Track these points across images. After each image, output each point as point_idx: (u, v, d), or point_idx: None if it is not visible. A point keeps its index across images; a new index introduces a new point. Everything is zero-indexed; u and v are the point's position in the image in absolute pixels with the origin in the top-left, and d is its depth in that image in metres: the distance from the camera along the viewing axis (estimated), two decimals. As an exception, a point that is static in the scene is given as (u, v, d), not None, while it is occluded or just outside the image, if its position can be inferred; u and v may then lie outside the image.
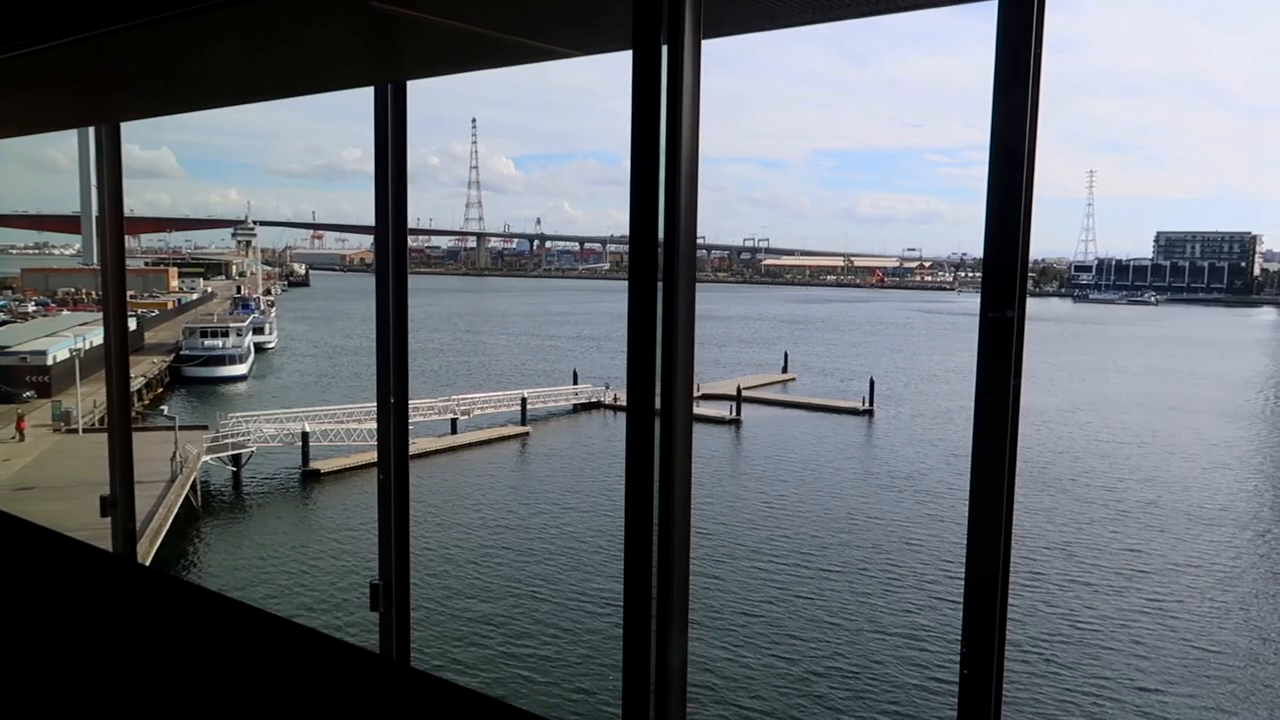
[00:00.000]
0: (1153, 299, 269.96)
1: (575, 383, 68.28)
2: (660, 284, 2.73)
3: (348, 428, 49.36)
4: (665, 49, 2.66)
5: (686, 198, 2.74)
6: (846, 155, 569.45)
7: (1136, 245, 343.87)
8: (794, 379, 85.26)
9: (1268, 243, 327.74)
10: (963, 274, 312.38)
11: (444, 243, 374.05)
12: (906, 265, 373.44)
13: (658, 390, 2.78)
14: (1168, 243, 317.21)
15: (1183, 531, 39.35)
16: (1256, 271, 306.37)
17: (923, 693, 24.38)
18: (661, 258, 2.73)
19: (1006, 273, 2.46)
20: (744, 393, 66.86)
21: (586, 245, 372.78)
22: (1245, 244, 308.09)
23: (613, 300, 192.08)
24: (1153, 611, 30.42)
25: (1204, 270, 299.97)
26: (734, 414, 63.25)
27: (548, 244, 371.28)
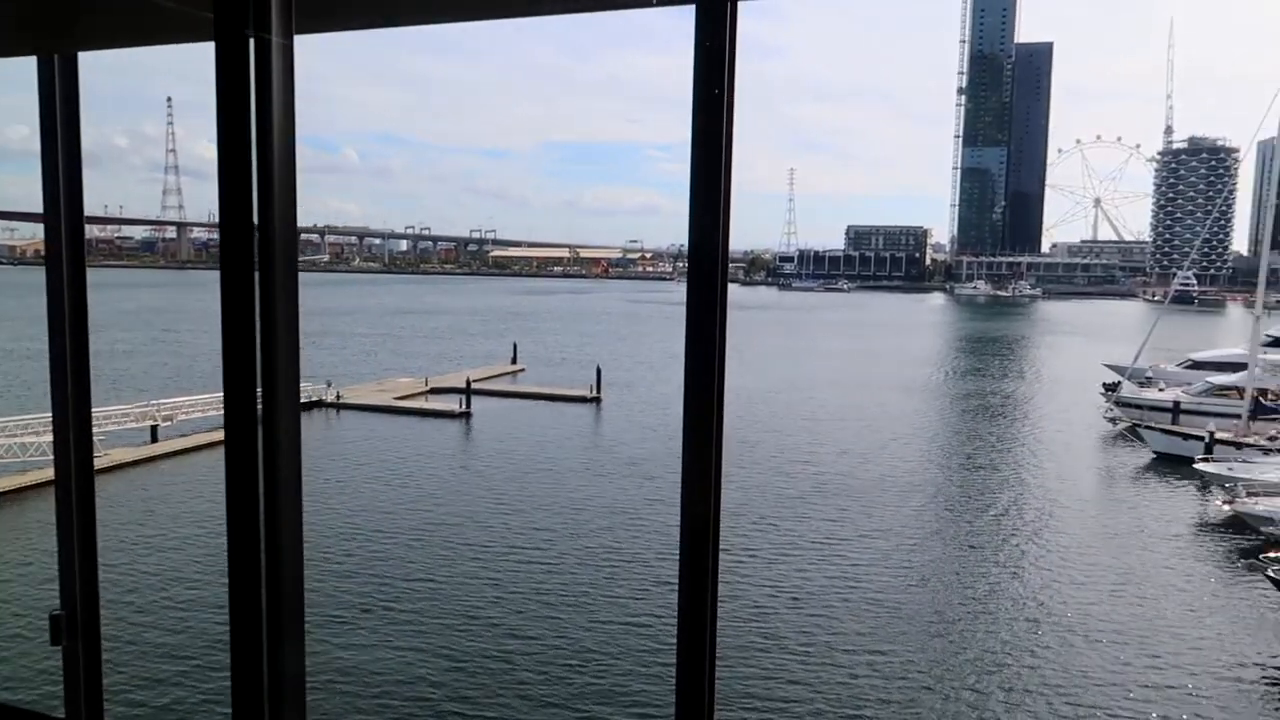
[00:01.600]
0: (846, 286, 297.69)
1: (294, 381, 64.58)
2: (258, 275, 2.68)
3: (22, 441, 43.56)
4: (252, 41, 2.64)
5: (282, 188, 2.71)
6: (571, 148, 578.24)
7: (832, 237, 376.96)
8: (524, 370, 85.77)
9: (936, 235, 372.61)
10: (680, 264, 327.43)
11: (138, 233, 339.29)
12: (629, 256, 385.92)
13: (259, 385, 2.70)
14: (857, 235, 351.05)
15: (873, 500, 43.23)
16: (928, 261, 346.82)
17: (642, 672, 25.07)
18: (258, 248, 2.68)
19: (709, 263, 2.59)
20: (474, 385, 66.36)
21: (302, 236, 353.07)
22: (919, 237, 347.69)
23: (330, 293, 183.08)
24: (849, 576, 32.81)
25: (886, 260, 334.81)
26: (464, 407, 62.59)
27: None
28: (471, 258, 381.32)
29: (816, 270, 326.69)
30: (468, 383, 65.81)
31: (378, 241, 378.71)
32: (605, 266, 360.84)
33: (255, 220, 2.68)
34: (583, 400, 68.81)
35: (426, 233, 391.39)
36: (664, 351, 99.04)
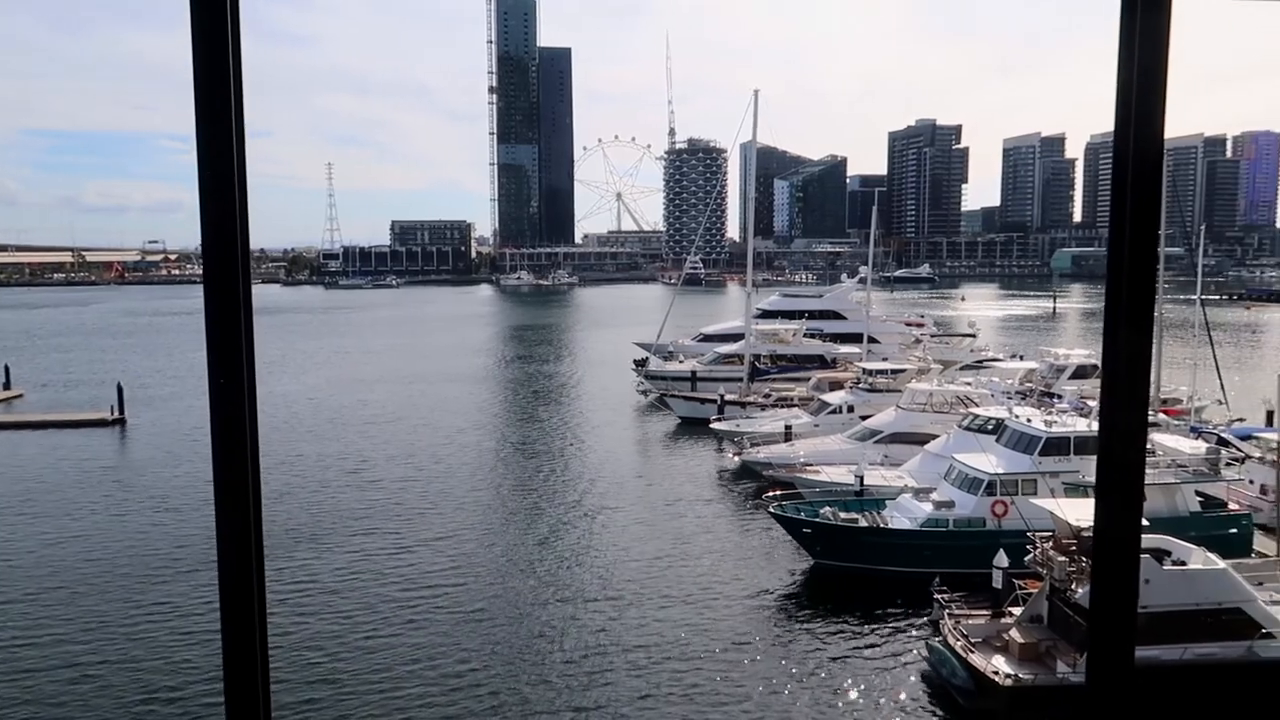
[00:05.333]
0: (395, 282, 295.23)
1: None
2: None
3: None
4: None
5: None
6: (64, 136, 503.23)
7: (377, 233, 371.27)
8: (21, 395, 73.09)
9: (480, 229, 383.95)
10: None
11: None
12: (150, 259, 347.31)
13: None
14: (402, 230, 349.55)
15: (438, 500, 42.72)
16: (473, 254, 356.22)
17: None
18: None
19: (227, 261, 2.41)
20: (-49, 420, 55.07)
21: None
22: (463, 231, 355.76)
23: None
24: (421, 587, 31.60)
25: (434, 254, 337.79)
26: (-61, 447, 51.67)
27: None
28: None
29: (364, 267, 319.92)
30: (-58, 417, 54.46)
31: None
32: (120, 270, 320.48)
33: None
34: (102, 424, 60.43)
35: None
36: (198, 363, 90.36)
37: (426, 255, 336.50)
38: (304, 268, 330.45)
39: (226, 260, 2.40)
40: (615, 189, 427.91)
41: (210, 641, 25.98)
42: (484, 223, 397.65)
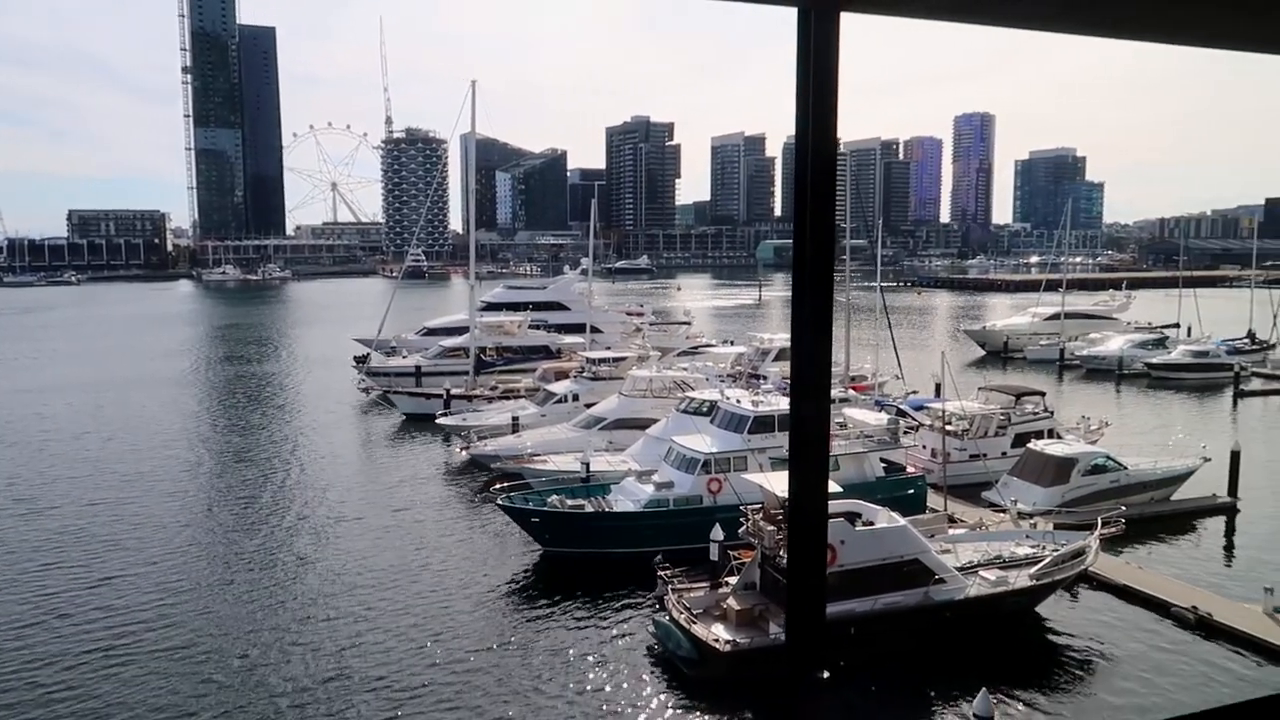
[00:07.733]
0: (74, 279, 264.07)
1: None
2: None
3: None
4: None
5: None
6: None
7: (50, 224, 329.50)
8: None
9: (177, 220, 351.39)
10: None
11: None
12: None
13: None
14: (82, 221, 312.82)
15: (140, 524, 38.36)
16: (170, 247, 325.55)
17: None
18: None
19: None
20: None
21: None
22: (157, 221, 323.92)
23: None
24: (113, 627, 29.09)
25: (122, 247, 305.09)
26: None
27: None
28: None
29: (35, 262, 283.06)
30: None
31: None
32: None
33: None
34: None
35: None
36: None
37: (113, 248, 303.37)
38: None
39: None
40: (330, 178, 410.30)
41: None
42: (182, 213, 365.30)
